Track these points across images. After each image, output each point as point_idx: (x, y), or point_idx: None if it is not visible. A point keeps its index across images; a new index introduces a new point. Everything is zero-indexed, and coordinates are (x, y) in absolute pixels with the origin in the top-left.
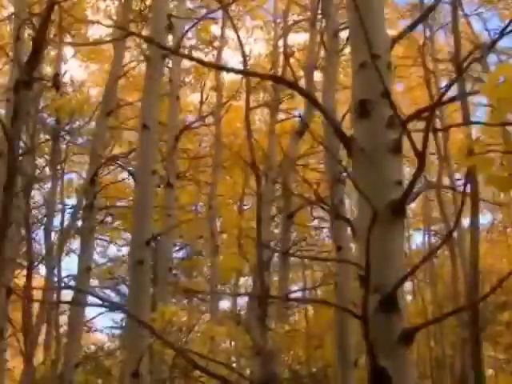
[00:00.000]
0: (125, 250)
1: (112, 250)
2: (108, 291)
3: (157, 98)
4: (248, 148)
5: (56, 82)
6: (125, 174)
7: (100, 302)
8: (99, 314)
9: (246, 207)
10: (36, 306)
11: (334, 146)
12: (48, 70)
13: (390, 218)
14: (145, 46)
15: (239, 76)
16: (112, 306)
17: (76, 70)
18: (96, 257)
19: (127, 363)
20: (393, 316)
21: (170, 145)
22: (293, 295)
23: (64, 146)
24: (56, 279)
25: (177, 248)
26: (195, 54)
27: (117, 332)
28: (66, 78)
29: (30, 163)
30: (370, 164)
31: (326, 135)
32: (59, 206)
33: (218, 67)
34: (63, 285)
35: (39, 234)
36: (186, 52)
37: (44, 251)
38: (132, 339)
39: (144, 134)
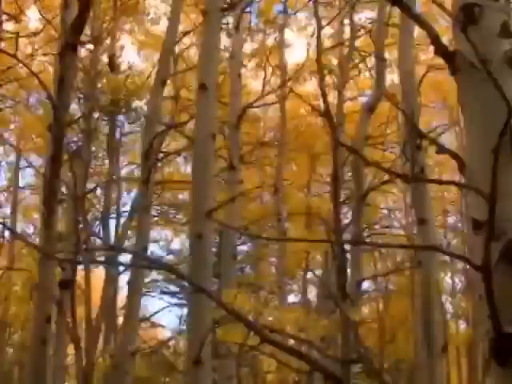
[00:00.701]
0: None
1: (175, 244)
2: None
3: (215, 56)
4: (321, 95)
5: (112, 62)
6: None
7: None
8: (163, 309)
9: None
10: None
11: (411, 109)
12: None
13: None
14: None
15: (303, 57)
16: (171, 271)
17: (134, 58)
18: (159, 251)
19: (189, 350)
20: None
21: (231, 124)
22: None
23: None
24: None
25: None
26: (256, 35)
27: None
28: (123, 66)
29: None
30: (482, 81)
31: (403, 97)
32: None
33: None
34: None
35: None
36: (248, 32)
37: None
38: (194, 321)
39: (202, 94)
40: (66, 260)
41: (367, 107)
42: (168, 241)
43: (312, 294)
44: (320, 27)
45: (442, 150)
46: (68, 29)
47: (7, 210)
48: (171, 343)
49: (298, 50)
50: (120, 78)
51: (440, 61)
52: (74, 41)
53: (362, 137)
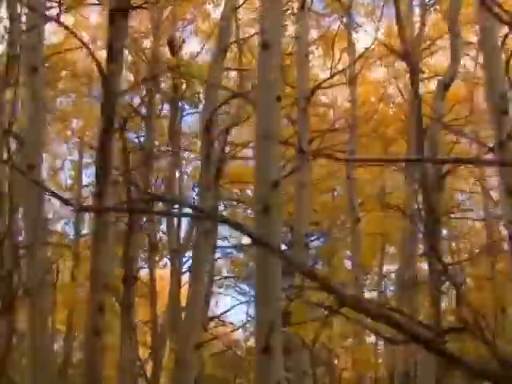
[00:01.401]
0: None
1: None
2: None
3: (278, 12)
4: (399, 36)
5: (172, 46)
6: None
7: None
8: (232, 307)
9: None
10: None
11: (494, 70)
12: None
13: None
14: None
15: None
16: (233, 225)
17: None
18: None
19: (257, 336)
20: None
21: (300, 107)
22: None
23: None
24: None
25: (313, 237)
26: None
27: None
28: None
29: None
30: None
31: (485, 60)
32: None
33: None
34: None
35: None
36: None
37: None
38: (262, 300)
39: (264, 54)
40: (118, 209)
41: (442, 85)
42: (238, 237)
43: (388, 289)
44: None
45: None
46: None
47: None
48: (243, 343)
49: (365, 35)
50: (181, 62)
51: None
52: (123, 5)
53: (437, 115)
